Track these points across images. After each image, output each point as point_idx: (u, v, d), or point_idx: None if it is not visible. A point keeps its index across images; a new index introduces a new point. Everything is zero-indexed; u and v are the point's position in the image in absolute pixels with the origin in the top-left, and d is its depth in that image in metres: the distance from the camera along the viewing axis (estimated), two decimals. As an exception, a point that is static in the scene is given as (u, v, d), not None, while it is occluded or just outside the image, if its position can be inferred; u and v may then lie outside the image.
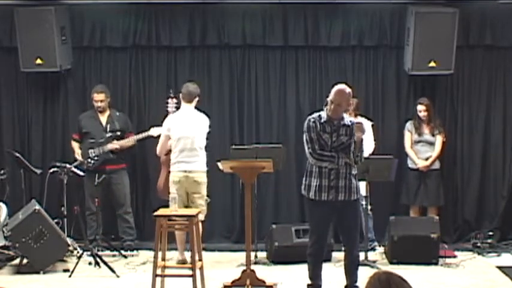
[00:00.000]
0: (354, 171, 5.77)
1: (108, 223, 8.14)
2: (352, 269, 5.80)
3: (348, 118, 5.83)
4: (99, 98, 7.96)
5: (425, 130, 8.02)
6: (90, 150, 7.87)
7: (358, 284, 5.76)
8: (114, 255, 7.61)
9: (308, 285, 5.89)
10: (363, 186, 7.69)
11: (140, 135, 7.90)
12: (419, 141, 8.02)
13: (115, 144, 7.86)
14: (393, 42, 8.35)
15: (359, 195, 5.88)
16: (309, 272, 5.87)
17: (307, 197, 5.78)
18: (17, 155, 7.86)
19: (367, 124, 7.97)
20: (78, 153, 7.98)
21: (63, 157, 8.18)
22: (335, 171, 5.67)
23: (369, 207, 7.72)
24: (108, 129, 7.93)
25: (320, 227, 5.80)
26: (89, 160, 7.68)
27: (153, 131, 7.76)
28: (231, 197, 8.44)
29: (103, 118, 8.03)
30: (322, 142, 5.69)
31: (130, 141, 7.93)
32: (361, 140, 5.71)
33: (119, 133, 7.93)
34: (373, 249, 7.79)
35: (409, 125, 8.10)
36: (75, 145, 8.08)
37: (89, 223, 7.90)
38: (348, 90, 5.77)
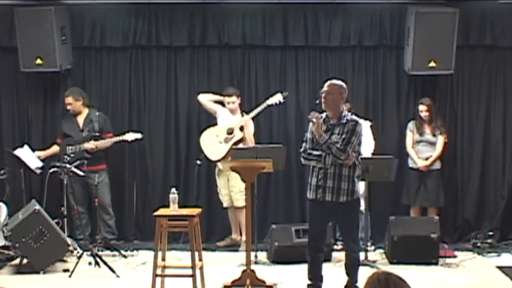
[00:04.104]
0: (348, 173, 5.63)
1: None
2: (352, 270, 5.80)
3: (348, 117, 5.74)
4: (67, 101, 8.05)
5: (427, 130, 8.02)
6: (68, 147, 7.92)
7: (358, 284, 5.75)
8: (114, 255, 7.61)
9: (308, 285, 5.89)
10: (361, 186, 7.69)
11: (116, 139, 7.96)
12: (420, 141, 8.02)
13: (91, 144, 7.88)
14: (393, 42, 8.34)
15: (352, 197, 5.67)
16: (308, 272, 5.88)
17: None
18: (17, 154, 7.86)
19: (365, 124, 7.97)
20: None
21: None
22: (323, 171, 5.64)
23: (362, 207, 7.72)
24: (84, 131, 7.99)
25: (313, 226, 5.82)
26: (66, 156, 7.68)
27: (128, 136, 7.92)
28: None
29: (80, 119, 8.08)
30: (315, 141, 5.68)
31: (106, 142, 7.96)
32: (320, 134, 5.58)
33: (97, 134, 7.95)
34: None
35: (411, 124, 8.10)
36: (52, 147, 8.18)
37: (75, 223, 7.89)
38: (340, 82, 5.78)
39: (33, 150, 8.07)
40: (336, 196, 5.62)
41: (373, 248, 7.81)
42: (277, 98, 7.91)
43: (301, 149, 5.80)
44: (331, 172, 5.62)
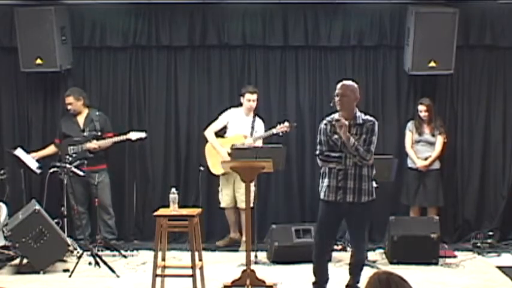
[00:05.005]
0: (367, 173, 5.61)
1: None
2: (357, 270, 5.76)
3: (362, 117, 5.70)
4: (67, 101, 8.04)
5: (426, 130, 8.03)
6: (70, 147, 7.92)
7: (359, 284, 5.74)
8: (114, 255, 7.61)
9: (313, 283, 5.86)
10: None
11: (119, 138, 7.95)
12: (419, 141, 8.03)
13: (93, 144, 7.88)
14: (393, 42, 8.35)
15: (372, 197, 5.67)
16: (313, 271, 5.84)
17: (320, 197, 5.76)
18: (17, 154, 7.86)
19: None
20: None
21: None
22: (343, 172, 5.58)
23: None
24: (86, 131, 7.98)
25: (324, 227, 5.75)
26: (67, 156, 7.69)
27: (132, 135, 7.92)
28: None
29: (80, 119, 8.07)
30: (331, 143, 5.64)
31: (109, 142, 7.96)
32: (348, 137, 5.53)
33: (99, 133, 7.97)
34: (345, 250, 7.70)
35: (410, 124, 8.11)
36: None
37: (75, 223, 7.88)
38: (352, 83, 5.76)
39: (28, 152, 8.05)
40: (358, 197, 5.59)
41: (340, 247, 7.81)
42: (285, 128, 7.84)
43: (317, 152, 5.74)
44: (351, 173, 5.58)
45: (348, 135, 5.54)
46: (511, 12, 8.21)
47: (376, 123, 5.72)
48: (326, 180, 5.68)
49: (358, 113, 5.71)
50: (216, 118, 8.09)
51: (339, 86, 5.72)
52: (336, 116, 5.68)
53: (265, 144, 7.83)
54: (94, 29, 8.43)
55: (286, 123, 7.87)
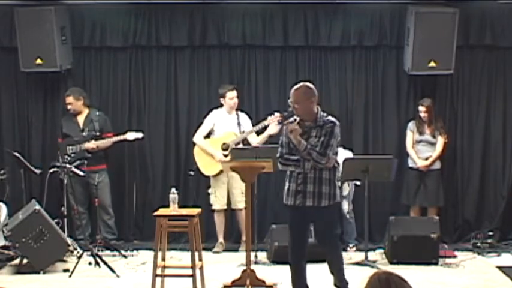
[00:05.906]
0: (328, 176, 5.45)
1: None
2: (335, 271, 5.64)
3: (324, 118, 5.51)
4: (67, 101, 8.06)
5: (427, 130, 8.03)
6: (68, 147, 7.94)
7: (346, 278, 5.62)
8: (114, 255, 7.61)
9: None
10: (345, 187, 7.69)
11: (117, 138, 7.96)
12: (420, 141, 8.03)
13: (91, 144, 7.89)
14: (393, 42, 8.35)
15: (334, 200, 5.50)
16: (292, 284, 5.70)
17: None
18: (17, 155, 7.86)
19: None
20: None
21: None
22: (302, 176, 5.43)
23: (345, 208, 7.77)
24: (85, 130, 7.99)
25: (295, 233, 5.61)
26: (66, 156, 7.69)
27: (129, 135, 7.93)
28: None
29: (80, 119, 8.09)
30: (291, 146, 5.49)
31: (107, 142, 7.97)
32: (299, 141, 5.36)
33: (97, 133, 7.98)
34: (345, 250, 7.61)
35: (411, 124, 8.11)
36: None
37: (75, 223, 7.88)
38: (302, 85, 5.54)
39: (24, 156, 8.02)
40: (318, 201, 5.43)
41: (354, 248, 7.83)
42: (276, 119, 7.66)
43: (278, 155, 5.61)
44: (311, 176, 5.42)
45: (298, 139, 5.38)
46: (511, 12, 8.21)
47: (337, 124, 5.50)
48: (287, 184, 5.56)
49: (320, 114, 5.52)
50: (201, 123, 8.06)
51: (291, 93, 5.52)
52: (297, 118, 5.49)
53: (264, 144, 7.82)
54: (94, 29, 8.43)
55: (277, 114, 7.83)
